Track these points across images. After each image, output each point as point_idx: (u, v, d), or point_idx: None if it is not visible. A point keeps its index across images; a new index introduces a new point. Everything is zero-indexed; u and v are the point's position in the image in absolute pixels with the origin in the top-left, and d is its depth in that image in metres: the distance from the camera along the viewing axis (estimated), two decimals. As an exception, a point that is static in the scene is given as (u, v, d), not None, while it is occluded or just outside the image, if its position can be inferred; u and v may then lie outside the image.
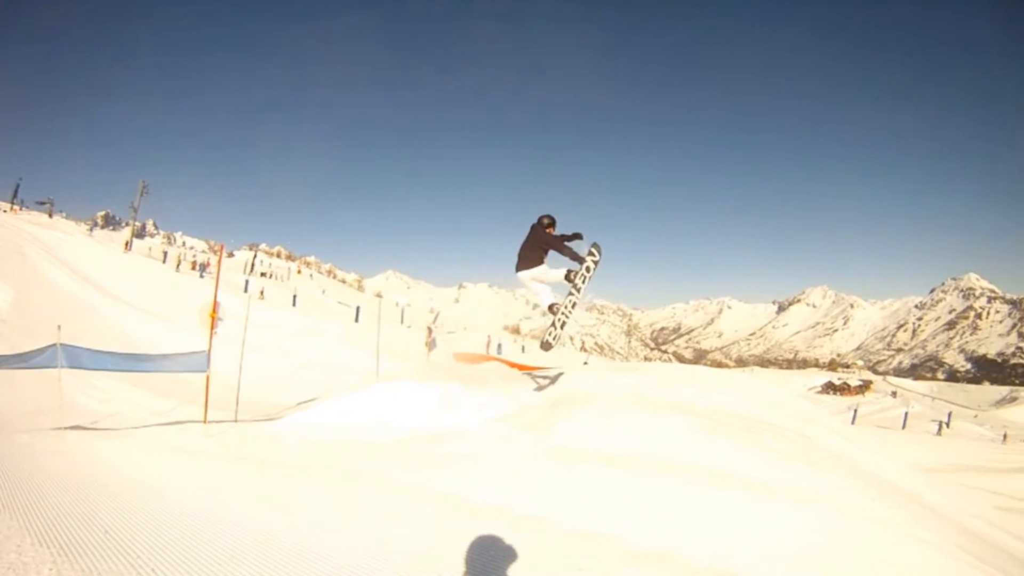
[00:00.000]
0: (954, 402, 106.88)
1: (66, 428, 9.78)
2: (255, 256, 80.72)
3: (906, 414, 71.25)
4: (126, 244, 45.50)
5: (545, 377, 13.93)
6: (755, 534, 5.49)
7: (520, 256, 10.33)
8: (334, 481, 7.17)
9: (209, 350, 10.67)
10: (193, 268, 46.71)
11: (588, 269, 10.60)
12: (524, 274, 10.33)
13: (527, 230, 10.29)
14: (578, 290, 10.52)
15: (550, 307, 10.52)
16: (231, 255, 78.75)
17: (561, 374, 14.16)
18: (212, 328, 11.01)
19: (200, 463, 7.90)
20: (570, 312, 10.65)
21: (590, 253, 10.61)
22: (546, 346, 10.83)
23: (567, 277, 10.43)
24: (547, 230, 10.32)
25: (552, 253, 10.32)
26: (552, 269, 10.42)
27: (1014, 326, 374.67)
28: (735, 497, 6.22)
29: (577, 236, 10.57)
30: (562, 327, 10.67)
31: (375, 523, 5.71)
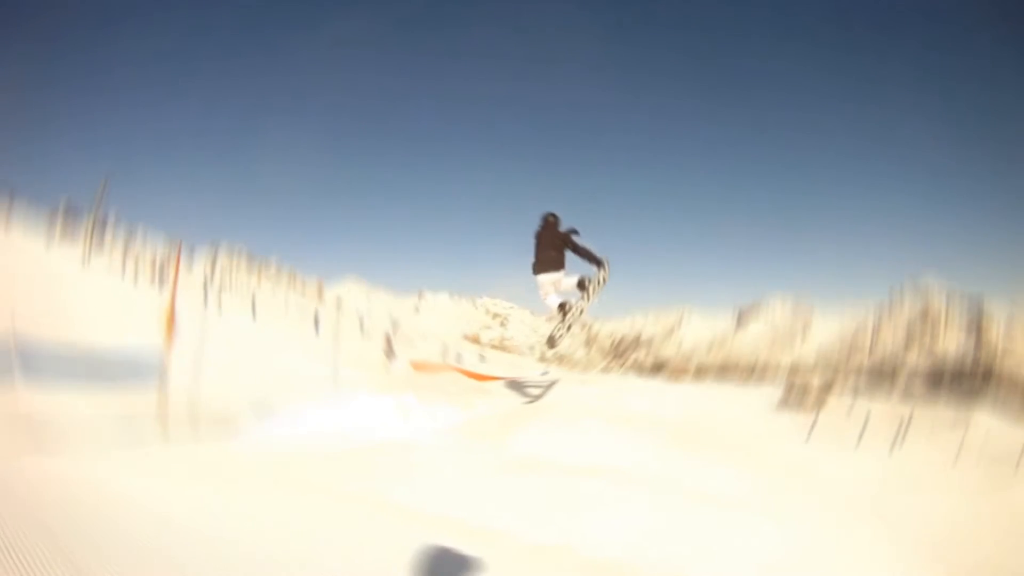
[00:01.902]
0: (914, 411, 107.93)
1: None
2: (215, 259, 79.75)
3: (865, 423, 72.08)
4: (84, 242, 44.76)
5: (503, 387, 14.01)
6: (711, 546, 5.62)
7: (543, 258, 10.37)
8: (289, 493, 7.08)
9: (165, 359, 10.55)
10: (152, 270, 46.09)
11: (600, 281, 10.70)
12: (545, 277, 10.38)
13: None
14: (588, 299, 10.62)
15: (560, 306, 10.58)
16: (190, 258, 77.71)
17: (519, 384, 14.24)
18: (168, 336, 10.87)
19: (153, 477, 7.69)
20: (577, 317, 10.75)
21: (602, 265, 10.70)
22: (552, 342, 10.94)
23: (580, 285, 10.53)
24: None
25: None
26: (568, 276, 10.53)
27: (973, 329, 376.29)
28: (691, 509, 6.36)
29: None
30: (568, 329, 10.77)
31: (329, 536, 5.66)
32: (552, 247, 10.37)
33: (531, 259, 10.55)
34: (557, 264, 10.39)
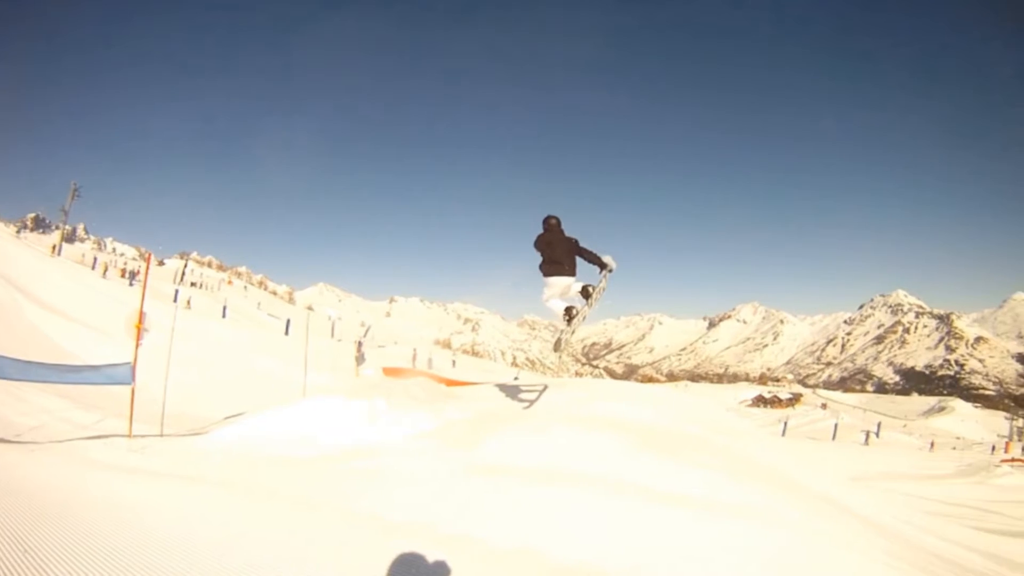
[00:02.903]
0: (883, 413, 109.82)
1: (-16, 441, 9.39)
2: (186, 265, 79.32)
3: (836, 425, 72.84)
4: (53, 248, 44.41)
5: (473, 392, 14.06)
6: (683, 549, 5.62)
7: (558, 262, 10.38)
8: (258, 498, 7.03)
9: (135, 362, 10.45)
10: (123, 275, 45.75)
11: (602, 289, 10.77)
12: (560, 280, 10.42)
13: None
14: (590, 306, 10.69)
15: (567, 310, 10.61)
16: (161, 263, 77.23)
17: (490, 389, 14.28)
18: (138, 339, 10.81)
19: (124, 479, 7.56)
20: (581, 322, 10.82)
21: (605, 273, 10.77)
22: (558, 345, 11.02)
23: (584, 292, 10.59)
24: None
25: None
26: (576, 282, 10.60)
27: (941, 340, 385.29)
28: (663, 512, 6.30)
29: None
30: (572, 334, 10.87)
31: (298, 542, 5.64)
32: (567, 251, 10.43)
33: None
34: (572, 269, 10.46)
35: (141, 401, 10.91)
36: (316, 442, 9.70)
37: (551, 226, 10.47)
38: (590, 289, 10.56)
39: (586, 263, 10.60)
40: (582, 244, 10.57)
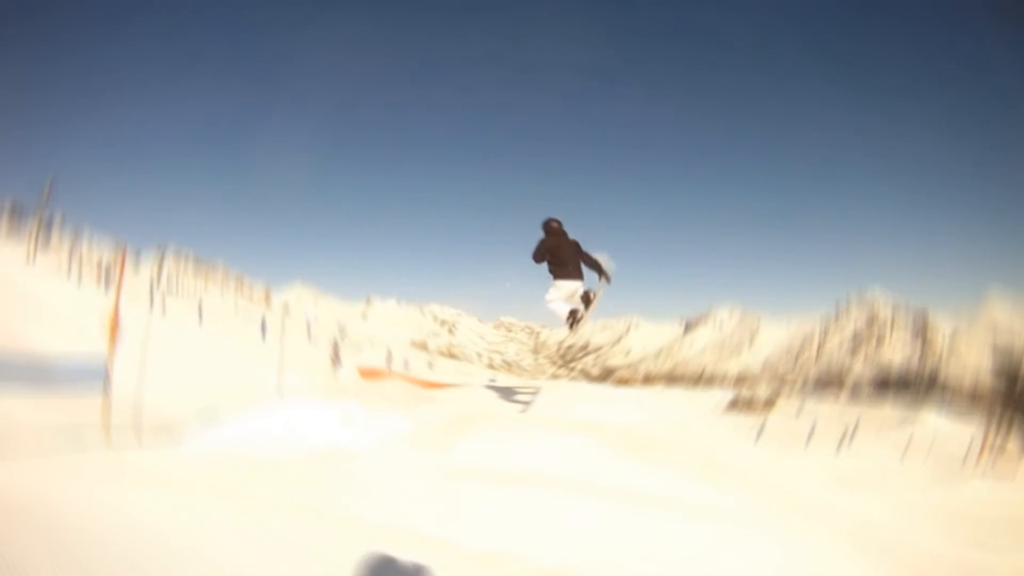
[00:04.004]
0: (859, 415, 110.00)
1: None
2: (162, 263, 78.63)
3: (812, 428, 73.09)
4: (29, 243, 43.95)
5: (449, 395, 14.08)
6: (658, 552, 5.68)
7: (568, 265, 10.42)
8: (231, 501, 6.98)
9: (109, 363, 10.39)
10: (97, 271, 45.34)
11: (600, 296, 10.82)
12: (569, 284, 10.44)
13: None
14: (590, 311, 10.72)
15: (572, 313, 10.64)
16: (137, 259, 76.46)
17: (466, 392, 14.30)
18: (112, 340, 10.70)
19: (98, 484, 7.41)
20: (580, 327, 10.87)
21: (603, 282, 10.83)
22: (563, 351, 11.12)
23: (584, 297, 10.62)
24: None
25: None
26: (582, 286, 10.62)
27: (918, 337, 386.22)
28: (639, 515, 6.39)
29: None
30: (574, 335, 10.96)
31: (273, 545, 5.60)
32: (573, 254, 10.47)
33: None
34: (580, 273, 10.53)
35: (115, 404, 10.81)
36: (290, 445, 9.62)
37: (555, 229, 10.54)
38: (591, 295, 10.64)
39: (598, 274, 10.70)
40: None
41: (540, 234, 10.83)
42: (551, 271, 10.58)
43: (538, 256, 10.83)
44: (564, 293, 10.56)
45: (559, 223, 10.60)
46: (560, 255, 10.49)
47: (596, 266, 10.68)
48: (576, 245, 10.62)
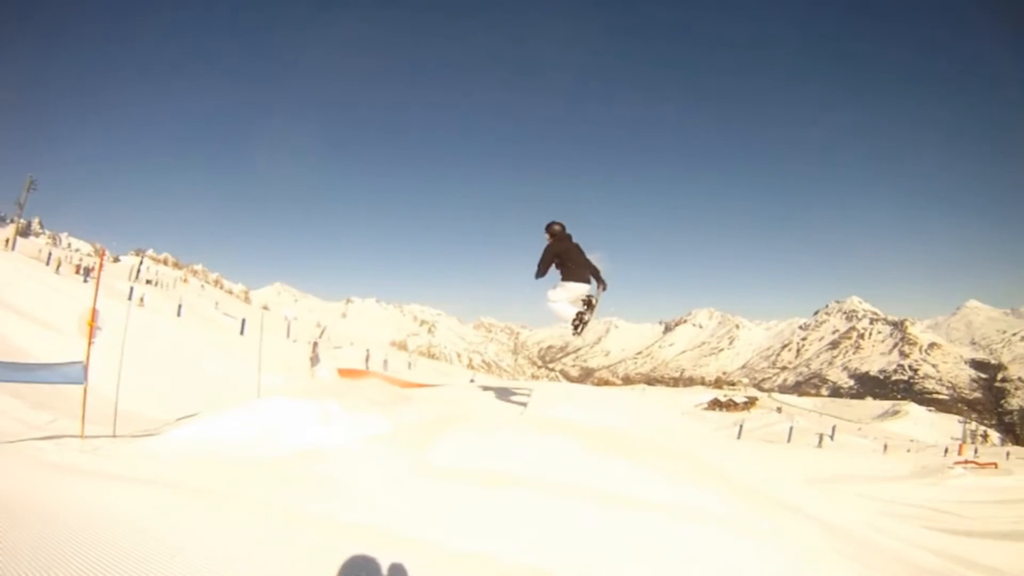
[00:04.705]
0: (838, 416, 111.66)
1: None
2: (141, 262, 78.27)
3: (791, 428, 73.66)
4: (7, 242, 43.64)
5: (428, 394, 14.08)
6: (634, 552, 5.73)
7: (579, 267, 10.42)
8: (210, 500, 6.94)
9: (87, 361, 10.32)
10: (77, 272, 45.09)
11: (599, 301, 10.86)
12: (580, 287, 10.44)
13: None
14: (592, 316, 10.76)
15: (579, 315, 10.65)
16: (116, 260, 76.09)
17: (445, 392, 14.30)
18: (90, 337, 10.65)
19: (75, 480, 7.41)
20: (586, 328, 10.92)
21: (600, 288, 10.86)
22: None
23: (586, 301, 10.65)
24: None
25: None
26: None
27: (896, 345, 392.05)
28: (617, 515, 6.43)
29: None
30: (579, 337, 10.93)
31: (249, 544, 5.60)
32: (579, 257, 10.46)
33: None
34: (589, 277, 10.51)
35: (94, 401, 10.79)
36: (269, 444, 9.56)
37: (561, 233, 10.48)
38: (592, 300, 10.67)
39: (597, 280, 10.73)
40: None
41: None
42: (561, 273, 10.51)
43: (546, 265, 10.53)
44: (572, 295, 10.49)
45: (562, 226, 10.55)
46: (572, 258, 10.44)
47: (596, 273, 10.71)
48: (579, 248, 10.60)
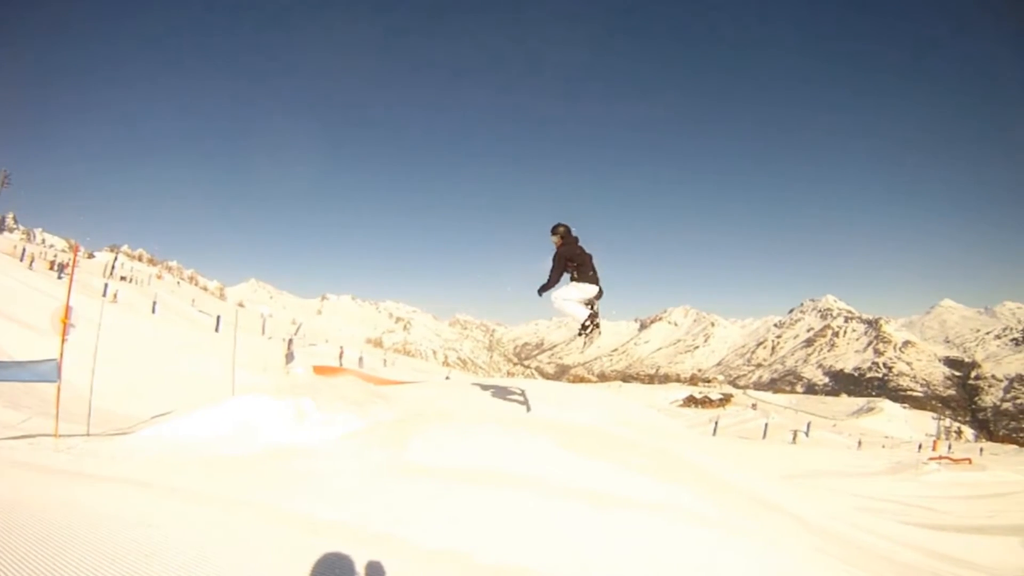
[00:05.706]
0: (813, 413, 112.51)
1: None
2: (116, 258, 77.58)
3: (766, 425, 74.02)
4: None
5: (403, 392, 14.08)
6: (608, 549, 5.77)
7: (593, 271, 10.36)
8: (184, 499, 6.90)
9: (60, 358, 10.25)
10: (51, 268, 44.69)
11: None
12: (593, 288, 10.36)
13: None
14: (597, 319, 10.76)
15: (591, 316, 10.56)
16: (91, 256, 75.41)
17: (419, 389, 14.29)
18: (64, 334, 10.57)
19: (49, 481, 7.31)
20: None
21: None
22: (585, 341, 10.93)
23: (588, 303, 10.61)
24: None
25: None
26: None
27: (870, 343, 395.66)
28: (590, 512, 6.50)
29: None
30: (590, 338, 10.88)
31: (223, 543, 5.56)
32: (593, 263, 10.37)
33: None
34: (598, 279, 10.43)
35: (67, 399, 10.72)
36: (242, 442, 9.50)
37: (571, 236, 10.35)
38: (595, 306, 10.68)
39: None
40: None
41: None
42: (572, 274, 10.35)
43: (559, 272, 10.32)
44: (586, 296, 10.31)
45: (568, 227, 10.39)
46: (582, 259, 10.31)
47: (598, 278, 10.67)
48: (584, 249, 10.47)
